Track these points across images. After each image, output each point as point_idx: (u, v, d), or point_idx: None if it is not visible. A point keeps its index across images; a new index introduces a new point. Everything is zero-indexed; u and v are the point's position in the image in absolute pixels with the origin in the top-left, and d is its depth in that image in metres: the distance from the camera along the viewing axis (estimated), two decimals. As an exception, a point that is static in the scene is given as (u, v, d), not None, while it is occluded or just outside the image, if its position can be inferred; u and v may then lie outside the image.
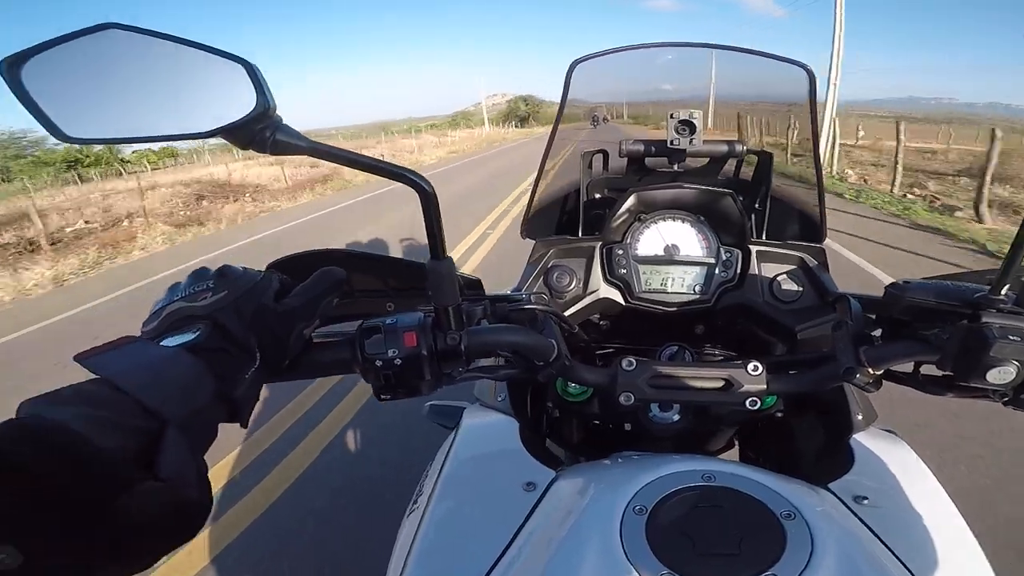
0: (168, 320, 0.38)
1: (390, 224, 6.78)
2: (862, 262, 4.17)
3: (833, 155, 9.22)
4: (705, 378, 0.55)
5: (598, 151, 1.00)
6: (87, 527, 0.24)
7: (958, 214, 5.92)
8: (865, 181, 8.60)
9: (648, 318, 0.82)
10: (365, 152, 0.52)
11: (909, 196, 7.10)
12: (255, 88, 0.35)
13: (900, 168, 7.36)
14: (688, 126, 0.83)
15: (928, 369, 0.51)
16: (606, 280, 0.82)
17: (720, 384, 0.55)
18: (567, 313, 0.80)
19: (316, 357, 0.46)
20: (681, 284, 0.81)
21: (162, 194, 12.59)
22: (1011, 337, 0.40)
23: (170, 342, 0.35)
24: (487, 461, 0.61)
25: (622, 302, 0.82)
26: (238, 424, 0.38)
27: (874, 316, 0.55)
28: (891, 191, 7.25)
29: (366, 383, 0.47)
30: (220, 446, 1.61)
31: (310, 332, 0.45)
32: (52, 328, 4.46)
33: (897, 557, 0.43)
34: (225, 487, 1.97)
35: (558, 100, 0.91)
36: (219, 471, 2.04)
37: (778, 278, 0.77)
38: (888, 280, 2.41)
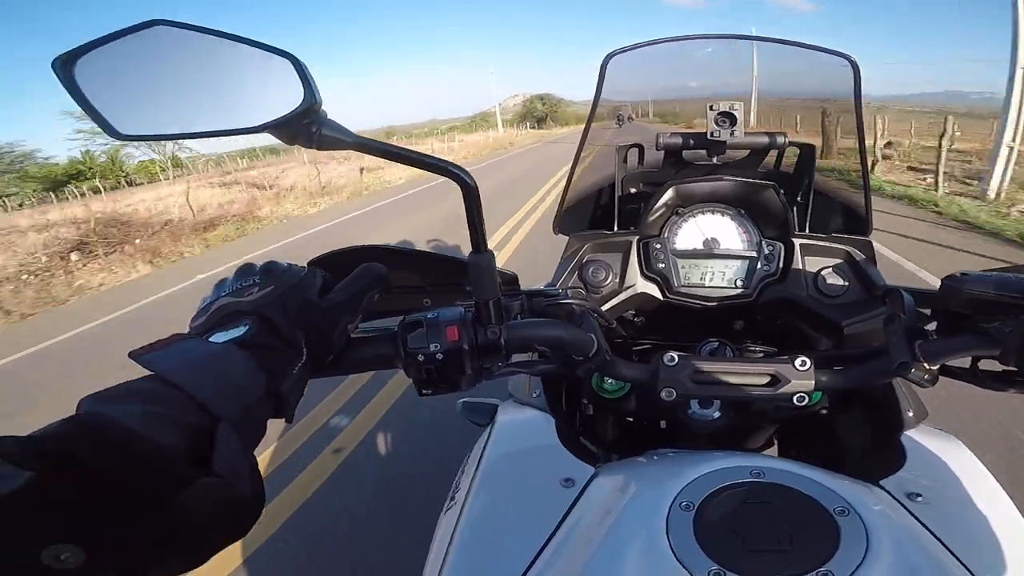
0: (216, 315, 0.38)
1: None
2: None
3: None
4: (750, 373, 0.54)
5: (633, 145, 0.99)
6: (146, 524, 0.24)
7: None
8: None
9: (685, 313, 0.81)
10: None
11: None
12: (302, 83, 0.34)
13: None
14: (728, 118, 0.82)
15: (987, 364, 0.49)
16: (643, 275, 0.81)
17: (766, 380, 0.53)
18: (603, 308, 0.79)
19: (358, 352, 0.46)
20: (721, 278, 0.80)
21: (44, 239, 8.79)
22: None
23: (219, 338, 0.36)
24: (524, 457, 0.61)
25: (660, 297, 0.81)
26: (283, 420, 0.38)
27: (928, 310, 0.53)
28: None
29: (407, 378, 0.46)
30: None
31: (353, 328, 0.45)
32: None
33: (956, 556, 0.41)
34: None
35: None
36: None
37: (823, 272, 0.76)
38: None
